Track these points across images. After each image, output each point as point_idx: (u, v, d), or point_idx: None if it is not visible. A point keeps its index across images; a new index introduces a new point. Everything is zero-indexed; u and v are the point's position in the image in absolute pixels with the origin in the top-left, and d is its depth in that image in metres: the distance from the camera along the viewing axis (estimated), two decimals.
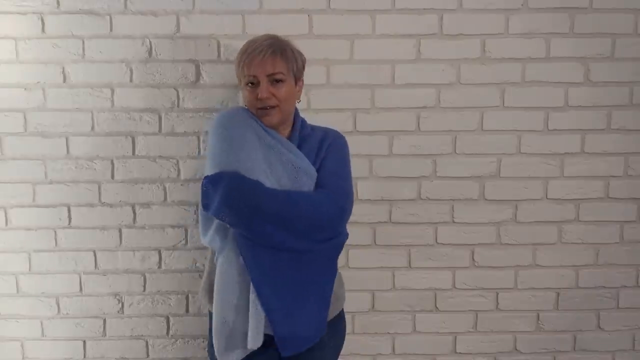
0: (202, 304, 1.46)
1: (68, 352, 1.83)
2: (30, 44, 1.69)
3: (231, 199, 1.24)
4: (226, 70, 1.71)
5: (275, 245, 1.27)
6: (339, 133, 1.48)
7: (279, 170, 1.32)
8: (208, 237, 1.35)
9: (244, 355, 1.30)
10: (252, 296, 1.27)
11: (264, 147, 1.32)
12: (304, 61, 1.42)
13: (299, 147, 1.39)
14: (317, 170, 1.36)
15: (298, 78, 1.40)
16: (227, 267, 1.30)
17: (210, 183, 1.26)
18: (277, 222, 1.25)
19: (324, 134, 1.45)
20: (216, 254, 1.34)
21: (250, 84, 1.34)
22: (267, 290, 1.27)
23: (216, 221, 1.30)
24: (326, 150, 1.40)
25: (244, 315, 1.29)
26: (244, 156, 1.28)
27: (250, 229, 1.26)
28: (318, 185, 1.35)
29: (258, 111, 1.34)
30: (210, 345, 1.37)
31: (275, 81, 1.33)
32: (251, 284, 1.27)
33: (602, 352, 1.89)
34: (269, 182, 1.28)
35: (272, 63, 1.32)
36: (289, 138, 1.40)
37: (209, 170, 1.29)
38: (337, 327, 1.46)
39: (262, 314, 1.27)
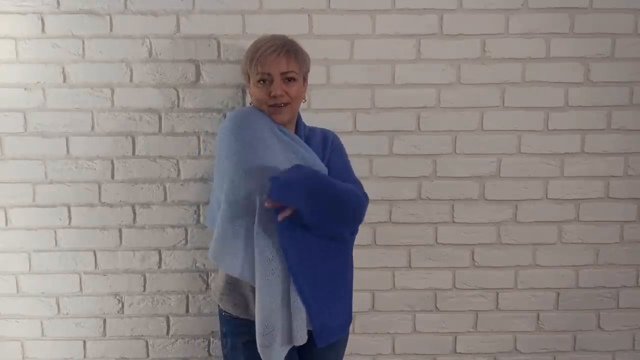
0: (223, 306, 1.42)
1: (68, 352, 1.83)
2: (30, 44, 1.69)
3: (315, 195, 1.26)
4: (226, 70, 1.71)
5: (335, 237, 1.35)
6: (333, 132, 1.53)
7: None
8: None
9: (285, 353, 1.32)
10: (294, 294, 1.29)
11: (283, 145, 1.34)
12: (309, 62, 1.45)
13: (307, 144, 1.41)
14: (327, 168, 1.41)
15: (305, 79, 1.43)
16: (270, 269, 1.29)
17: (286, 183, 1.20)
18: (338, 213, 1.33)
19: (323, 133, 1.49)
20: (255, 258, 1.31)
21: (261, 82, 1.35)
22: (306, 287, 1.30)
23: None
24: (330, 149, 1.45)
25: (284, 314, 1.30)
26: (264, 154, 1.29)
27: (328, 222, 1.31)
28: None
29: (269, 108, 1.35)
30: (233, 348, 1.39)
31: (287, 80, 1.35)
32: (292, 281, 1.29)
33: (602, 352, 1.89)
34: None
35: (286, 62, 1.34)
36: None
37: (236, 173, 1.28)
38: None
39: (304, 310, 1.30)
